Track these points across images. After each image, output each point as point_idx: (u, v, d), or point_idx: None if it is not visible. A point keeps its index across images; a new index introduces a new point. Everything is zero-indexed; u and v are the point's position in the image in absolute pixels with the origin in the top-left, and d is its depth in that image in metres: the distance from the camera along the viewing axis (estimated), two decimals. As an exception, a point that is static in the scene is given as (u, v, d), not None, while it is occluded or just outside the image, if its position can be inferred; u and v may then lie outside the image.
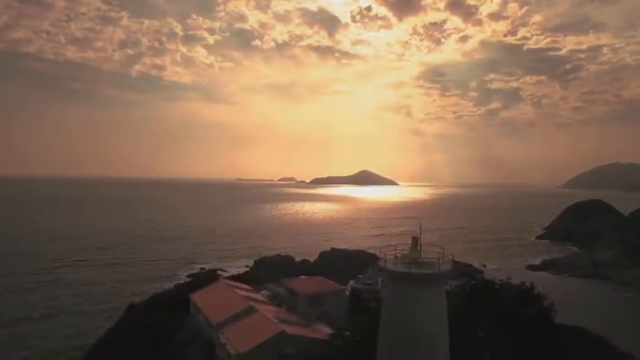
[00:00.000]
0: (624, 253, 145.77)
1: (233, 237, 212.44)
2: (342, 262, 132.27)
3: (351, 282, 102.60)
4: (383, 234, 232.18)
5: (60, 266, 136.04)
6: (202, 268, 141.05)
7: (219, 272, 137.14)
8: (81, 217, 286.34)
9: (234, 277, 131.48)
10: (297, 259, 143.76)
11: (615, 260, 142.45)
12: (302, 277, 49.14)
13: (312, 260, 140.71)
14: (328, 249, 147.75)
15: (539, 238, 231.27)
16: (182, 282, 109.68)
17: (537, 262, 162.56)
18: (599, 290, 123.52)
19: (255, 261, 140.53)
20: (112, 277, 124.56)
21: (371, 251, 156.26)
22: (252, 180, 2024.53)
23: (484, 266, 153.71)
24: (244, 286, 42.42)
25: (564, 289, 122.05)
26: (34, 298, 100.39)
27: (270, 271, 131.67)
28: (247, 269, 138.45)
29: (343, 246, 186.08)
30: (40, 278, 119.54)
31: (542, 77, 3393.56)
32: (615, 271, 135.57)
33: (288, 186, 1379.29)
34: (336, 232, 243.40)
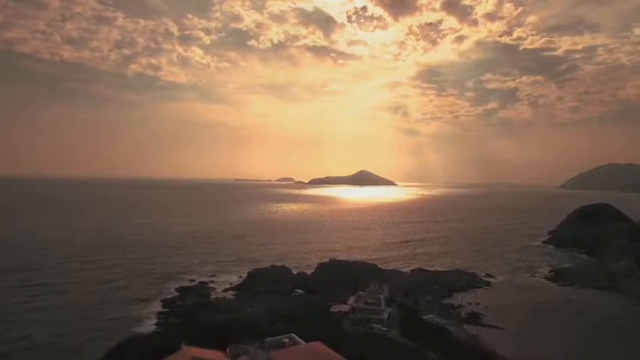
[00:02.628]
0: (639, 263, 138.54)
1: (226, 244, 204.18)
2: (341, 275, 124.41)
3: (352, 299, 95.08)
4: (385, 242, 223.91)
5: (43, 283, 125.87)
6: (192, 280, 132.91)
7: (210, 285, 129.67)
8: (73, 221, 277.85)
9: (226, 290, 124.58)
10: (294, 270, 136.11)
11: (630, 270, 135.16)
12: (292, 337, 39.93)
13: (309, 272, 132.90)
14: (326, 260, 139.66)
15: (544, 243, 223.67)
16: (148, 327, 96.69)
17: (545, 271, 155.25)
18: (615, 305, 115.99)
19: (248, 273, 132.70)
20: (94, 297, 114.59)
21: (371, 261, 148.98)
22: (250, 180, 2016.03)
23: (491, 277, 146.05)
24: (213, 355, 33.91)
25: (579, 304, 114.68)
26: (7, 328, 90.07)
27: (265, 284, 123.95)
28: (240, 281, 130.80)
29: (341, 254, 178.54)
30: (17, 301, 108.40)
31: (539, 77, 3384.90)
32: (631, 283, 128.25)
33: (286, 186, 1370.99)
34: (334, 240, 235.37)
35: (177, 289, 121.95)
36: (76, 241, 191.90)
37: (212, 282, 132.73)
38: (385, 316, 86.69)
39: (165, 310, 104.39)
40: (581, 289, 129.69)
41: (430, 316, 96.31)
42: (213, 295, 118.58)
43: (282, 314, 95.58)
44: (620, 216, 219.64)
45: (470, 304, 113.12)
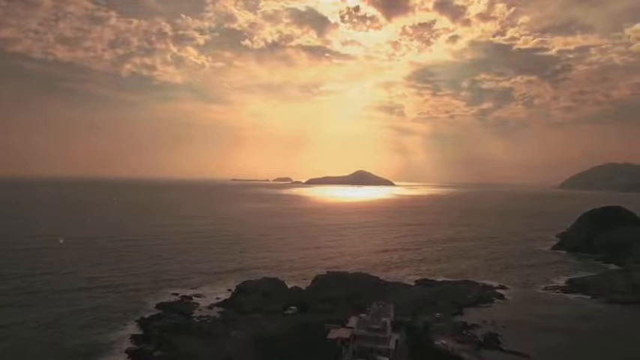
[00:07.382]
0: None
1: (216, 250, 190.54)
2: (340, 289, 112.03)
3: (352, 321, 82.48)
4: (385, 249, 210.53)
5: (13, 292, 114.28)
6: (175, 294, 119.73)
7: (194, 300, 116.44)
8: (59, 223, 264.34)
9: (211, 307, 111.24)
10: (288, 283, 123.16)
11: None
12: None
13: (304, 287, 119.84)
14: (324, 271, 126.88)
15: (554, 248, 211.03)
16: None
17: (562, 281, 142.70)
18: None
19: (237, 286, 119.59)
20: (64, 313, 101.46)
21: (372, 272, 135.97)
22: (247, 180, 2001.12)
23: (503, 288, 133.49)
24: None
25: (608, 323, 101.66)
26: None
27: (255, 300, 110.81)
28: (228, 295, 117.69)
29: (340, 262, 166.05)
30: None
31: (533, 77, 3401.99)
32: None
33: (282, 187, 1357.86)
34: (332, 245, 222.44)
35: (157, 306, 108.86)
36: (48, 249, 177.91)
37: (197, 296, 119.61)
38: (392, 344, 74.02)
39: (140, 333, 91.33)
40: (606, 303, 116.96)
41: (442, 342, 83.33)
42: (196, 313, 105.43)
43: (272, 340, 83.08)
44: (634, 219, 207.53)
45: (485, 322, 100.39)
